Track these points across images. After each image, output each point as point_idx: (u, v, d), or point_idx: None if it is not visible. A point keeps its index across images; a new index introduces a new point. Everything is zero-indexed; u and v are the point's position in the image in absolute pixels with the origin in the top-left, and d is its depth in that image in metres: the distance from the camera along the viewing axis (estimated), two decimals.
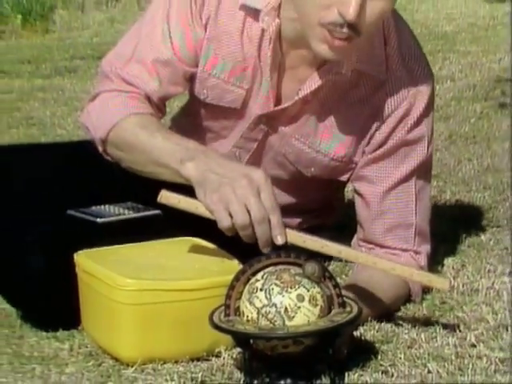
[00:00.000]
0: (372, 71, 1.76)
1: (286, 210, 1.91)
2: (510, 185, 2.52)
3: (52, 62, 4.35)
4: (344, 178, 1.89)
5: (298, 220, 1.96)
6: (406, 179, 1.83)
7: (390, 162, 1.82)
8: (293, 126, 1.81)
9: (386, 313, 1.76)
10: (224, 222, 1.54)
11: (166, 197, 1.61)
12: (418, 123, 1.82)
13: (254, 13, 1.74)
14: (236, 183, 1.55)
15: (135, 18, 5.72)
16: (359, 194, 1.86)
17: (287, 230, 1.59)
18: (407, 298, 1.82)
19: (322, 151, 1.83)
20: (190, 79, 1.82)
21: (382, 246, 1.85)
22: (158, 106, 1.81)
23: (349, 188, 2.08)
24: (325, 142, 1.82)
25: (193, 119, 1.91)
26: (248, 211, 1.54)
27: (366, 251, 1.85)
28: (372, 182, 1.84)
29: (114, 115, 1.75)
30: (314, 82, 1.75)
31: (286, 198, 1.92)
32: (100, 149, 1.79)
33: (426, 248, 1.87)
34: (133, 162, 1.75)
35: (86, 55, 4.54)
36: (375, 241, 1.85)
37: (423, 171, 1.87)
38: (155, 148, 1.69)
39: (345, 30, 1.61)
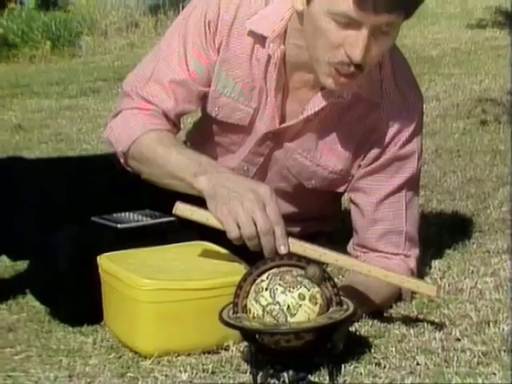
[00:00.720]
0: (368, 94, 1.76)
1: (288, 219, 1.91)
2: (510, 196, 2.51)
3: (78, 84, 4.36)
4: (341, 189, 1.88)
5: (298, 227, 1.94)
6: (397, 190, 1.82)
7: (383, 175, 1.82)
8: (296, 141, 1.80)
9: (379, 310, 1.75)
10: (233, 233, 1.56)
11: (181, 209, 1.61)
12: (408, 141, 1.81)
13: (261, 39, 1.74)
14: (244, 197, 1.56)
15: (153, 43, 5.76)
16: (355, 204, 1.86)
17: (289, 239, 1.59)
18: (398, 297, 1.81)
19: (321, 165, 1.82)
20: (203, 97, 1.82)
21: (375, 251, 1.84)
22: (174, 122, 1.80)
23: (344, 197, 2.07)
24: (324, 156, 1.81)
25: (204, 135, 1.90)
26: (254, 223, 1.55)
27: (360, 256, 1.84)
28: (366, 192, 1.83)
29: (134, 131, 1.75)
30: (317, 103, 1.74)
31: (289, 208, 1.91)
32: (122, 161, 1.80)
33: (415, 252, 1.86)
34: (150, 174, 1.75)
35: (108, 77, 4.55)
36: (369, 246, 1.85)
37: (413, 183, 1.86)
38: (171, 162, 1.69)
39: (351, 68, 1.61)
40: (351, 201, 1.87)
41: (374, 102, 1.77)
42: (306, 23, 1.65)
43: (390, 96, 1.78)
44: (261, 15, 1.74)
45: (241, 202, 1.56)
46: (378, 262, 1.81)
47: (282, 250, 1.57)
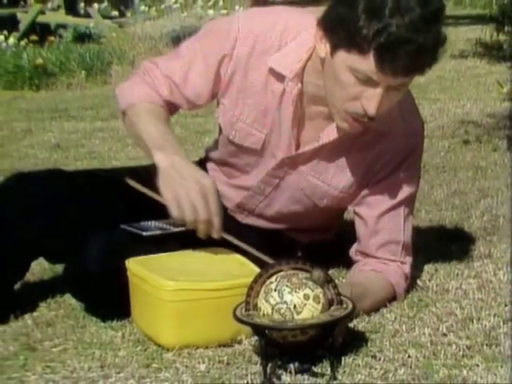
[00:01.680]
0: (377, 125, 1.69)
1: (296, 230, 1.89)
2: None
3: (109, 108, 4.36)
4: (349, 205, 1.86)
5: (304, 237, 1.92)
6: (397, 206, 1.80)
7: (386, 192, 1.78)
8: (309, 164, 1.77)
9: (376, 308, 1.74)
10: (174, 213, 1.61)
11: (132, 183, 1.70)
12: (411, 166, 1.79)
13: (279, 76, 1.71)
14: (190, 187, 1.61)
15: None
16: (358, 215, 1.83)
17: (222, 233, 1.65)
18: (393, 298, 1.80)
19: (332, 185, 1.79)
20: (189, 102, 1.81)
21: (374, 257, 1.82)
22: (168, 106, 1.80)
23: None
24: (335, 178, 1.78)
25: (222, 154, 1.88)
26: (196, 210, 1.60)
27: (360, 261, 1.83)
28: (370, 206, 1.80)
29: (134, 97, 1.78)
30: (331, 133, 1.71)
31: (298, 224, 1.89)
32: (121, 117, 1.86)
33: (409, 259, 1.84)
34: (132, 134, 1.81)
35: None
36: (369, 253, 1.82)
37: (411, 200, 1.84)
38: (145, 130, 1.72)
39: (365, 119, 1.60)
40: (355, 213, 1.84)
41: (382, 131, 1.73)
42: (326, 70, 1.61)
43: (397, 126, 1.74)
44: (281, 55, 1.70)
45: (186, 191, 1.60)
46: (377, 266, 1.80)
47: (215, 235, 1.63)
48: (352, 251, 1.86)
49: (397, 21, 1.49)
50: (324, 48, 1.59)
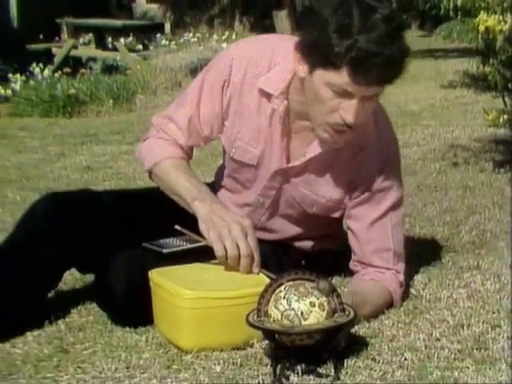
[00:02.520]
0: (355, 140, 1.71)
1: (296, 238, 1.89)
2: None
3: (134, 133, 4.37)
4: (336, 214, 1.84)
5: (306, 244, 1.91)
6: (383, 216, 1.79)
7: (369, 204, 1.78)
8: (299, 178, 1.78)
9: (375, 315, 1.73)
10: (219, 253, 1.63)
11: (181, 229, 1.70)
12: (388, 176, 1.78)
13: (267, 95, 1.73)
14: (231, 227, 1.63)
15: None
16: (349, 229, 1.83)
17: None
18: (390, 305, 1.79)
19: (320, 195, 1.79)
20: (208, 138, 1.83)
21: (371, 266, 1.81)
22: (187, 152, 1.83)
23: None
24: (322, 189, 1.79)
25: (226, 172, 1.89)
26: (238, 247, 1.61)
27: (360, 271, 1.82)
28: (358, 219, 1.80)
29: (157, 156, 1.80)
30: (316, 149, 1.72)
31: (296, 230, 1.88)
32: (147, 175, 1.86)
33: (402, 266, 1.83)
34: (164, 189, 1.80)
35: None
36: (365, 261, 1.82)
37: (396, 209, 1.82)
38: (178, 185, 1.75)
39: (344, 128, 1.61)
40: (347, 227, 1.85)
41: (359, 144, 1.74)
42: (306, 87, 1.63)
43: (373, 140, 1.75)
44: (267, 77, 1.72)
45: (228, 230, 1.62)
46: (375, 275, 1.79)
47: (256, 271, 1.64)
48: (351, 263, 1.85)
49: (365, 37, 1.51)
50: (302, 69, 1.61)
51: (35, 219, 1.74)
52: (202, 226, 1.66)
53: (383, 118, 1.80)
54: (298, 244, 1.91)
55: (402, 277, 1.81)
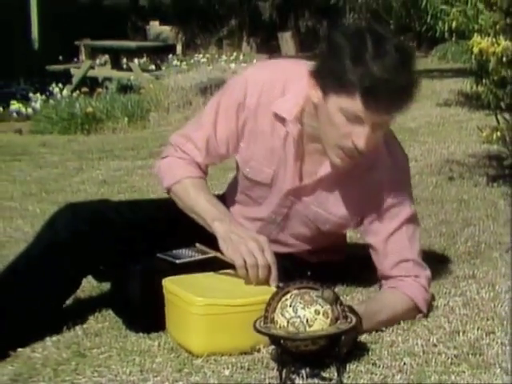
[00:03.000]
0: (366, 160, 1.69)
1: (305, 252, 1.88)
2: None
3: (147, 149, 4.38)
4: (347, 229, 1.85)
5: (313, 257, 1.90)
6: (398, 229, 1.77)
7: (385, 219, 1.76)
8: (312, 196, 1.77)
9: (397, 321, 1.71)
10: (239, 262, 1.62)
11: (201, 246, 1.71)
12: (400, 191, 1.77)
13: (282, 119, 1.71)
14: (248, 243, 1.63)
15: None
16: (369, 244, 1.81)
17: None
18: (416, 310, 1.75)
19: (332, 213, 1.78)
20: (224, 156, 1.82)
21: (391, 277, 1.78)
22: (204, 170, 1.82)
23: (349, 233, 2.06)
24: (334, 207, 1.77)
25: (239, 189, 1.88)
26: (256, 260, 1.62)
27: (384, 284, 1.80)
28: (375, 234, 1.78)
29: (176, 175, 1.78)
30: (326, 168, 1.71)
31: (307, 245, 1.88)
32: (166, 192, 1.84)
33: (424, 273, 1.79)
34: (183, 207, 1.79)
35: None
36: (386, 274, 1.79)
37: (410, 221, 1.79)
38: (198, 204, 1.74)
39: (355, 153, 1.60)
40: (367, 243, 1.82)
41: (372, 164, 1.73)
42: (320, 113, 1.61)
43: (384, 159, 1.74)
44: (281, 102, 1.70)
45: (246, 247, 1.63)
46: (393, 283, 1.77)
47: (273, 284, 1.62)
48: (378, 278, 1.83)
49: (378, 65, 1.50)
50: (316, 94, 1.60)
51: (55, 230, 1.74)
52: (222, 244, 1.66)
53: (391, 137, 1.79)
54: (304, 256, 1.90)
55: (423, 281, 1.77)
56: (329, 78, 1.56)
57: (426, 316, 1.77)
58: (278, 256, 1.82)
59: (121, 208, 1.87)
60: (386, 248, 1.77)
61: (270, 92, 1.72)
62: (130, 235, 1.79)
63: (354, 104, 1.53)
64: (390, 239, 1.77)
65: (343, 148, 1.60)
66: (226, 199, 1.90)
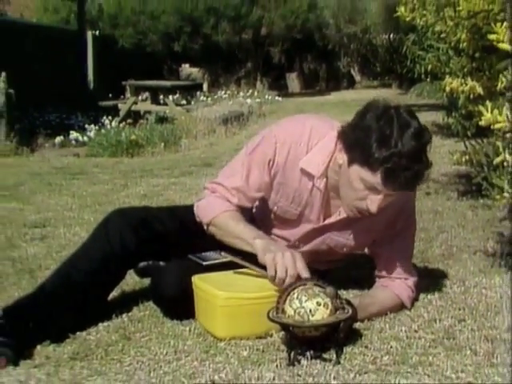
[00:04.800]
0: None
1: (319, 263, 1.79)
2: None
3: (179, 169, 4.39)
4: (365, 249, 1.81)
5: (325, 267, 1.83)
6: (402, 248, 1.74)
7: (394, 238, 1.72)
8: (333, 229, 1.72)
9: (383, 313, 1.68)
10: (271, 273, 1.54)
11: (228, 255, 1.64)
12: (409, 217, 1.74)
13: (309, 174, 1.64)
14: (284, 253, 1.53)
15: (224, 143, 5.81)
16: (373, 252, 1.78)
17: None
18: (401, 306, 1.72)
19: (350, 240, 1.73)
20: (256, 200, 1.72)
21: (385, 277, 1.74)
22: (238, 208, 1.71)
23: None
24: (352, 236, 1.72)
25: (267, 217, 1.76)
26: (286, 271, 1.52)
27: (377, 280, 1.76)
28: (380, 245, 1.74)
29: (216, 210, 1.68)
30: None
31: (323, 263, 1.81)
32: (205, 228, 1.72)
33: (413, 277, 1.75)
34: (223, 235, 1.67)
35: (197, 164, 4.59)
36: (382, 274, 1.75)
37: (411, 242, 1.77)
38: (239, 229, 1.64)
39: (367, 214, 1.56)
40: (372, 252, 1.78)
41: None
42: (342, 173, 1.56)
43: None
44: (309, 158, 1.63)
45: (282, 255, 1.53)
46: (385, 283, 1.73)
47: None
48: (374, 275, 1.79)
49: (400, 151, 1.44)
50: (342, 157, 1.54)
51: (106, 233, 1.68)
52: (261, 254, 1.56)
53: None
54: (315, 265, 1.79)
55: (410, 282, 1.74)
56: (356, 150, 1.49)
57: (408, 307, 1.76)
58: None
59: (160, 214, 1.81)
60: (388, 255, 1.73)
61: (296, 149, 1.63)
62: (166, 238, 1.74)
63: (375, 178, 1.48)
64: (393, 248, 1.73)
65: (357, 207, 1.56)
66: (255, 219, 1.78)
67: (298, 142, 1.64)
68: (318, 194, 1.66)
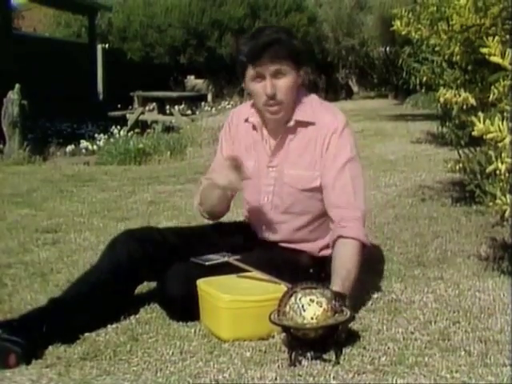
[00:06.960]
0: (305, 118, 1.77)
1: (304, 240, 1.83)
2: None
3: (185, 176, 4.39)
4: (318, 183, 1.77)
5: (313, 247, 1.84)
6: (341, 169, 1.73)
7: (330, 162, 1.75)
8: (282, 162, 1.80)
9: (360, 260, 1.65)
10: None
11: (236, 262, 1.66)
12: (342, 139, 1.75)
13: (246, 119, 1.87)
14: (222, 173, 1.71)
15: None
16: (322, 187, 1.77)
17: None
18: (363, 245, 1.67)
19: (299, 168, 1.78)
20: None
21: (335, 222, 1.72)
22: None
23: None
24: (298, 163, 1.78)
25: (246, 199, 1.93)
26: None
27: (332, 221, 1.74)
28: (324, 175, 1.75)
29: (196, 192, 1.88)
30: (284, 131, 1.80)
31: (299, 221, 1.82)
32: (199, 210, 1.90)
33: (362, 212, 1.72)
34: (207, 206, 1.87)
35: (202, 172, 4.58)
36: (332, 209, 1.74)
37: (352, 163, 1.75)
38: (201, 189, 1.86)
39: (271, 102, 1.72)
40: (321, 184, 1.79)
41: (311, 122, 1.78)
42: (251, 94, 1.77)
43: (322, 117, 1.77)
44: (244, 112, 1.88)
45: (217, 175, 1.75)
46: (340, 232, 1.69)
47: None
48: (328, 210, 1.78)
49: (256, 41, 1.70)
50: (245, 86, 1.77)
51: (115, 251, 1.74)
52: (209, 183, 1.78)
53: (327, 103, 1.85)
54: (306, 247, 1.84)
55: (359, 213, 1.71)
56: (239, 68, 1.75)
57: (405, 308, 1.76)
58: (295, 253, 1.80)
59: (165, 232, 1.86)
60: (334, 184, 1.73)
61: (238, 113, 1.91)
62: (171, 253, 1.76)
63: (250, 67, 1.71)
64: (336, 177, 1.73)
65: (264, 102, 1.73)
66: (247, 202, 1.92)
67: (238, 110, 1.95)
68: (259, 131, 1.83)
